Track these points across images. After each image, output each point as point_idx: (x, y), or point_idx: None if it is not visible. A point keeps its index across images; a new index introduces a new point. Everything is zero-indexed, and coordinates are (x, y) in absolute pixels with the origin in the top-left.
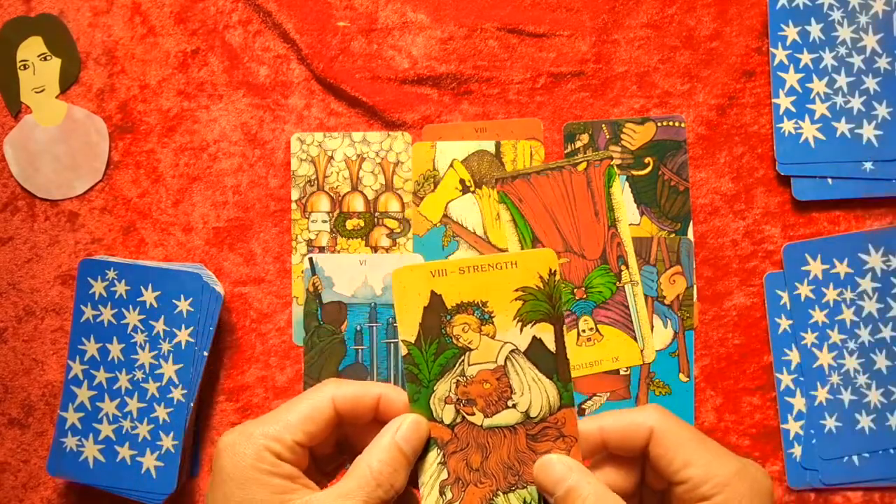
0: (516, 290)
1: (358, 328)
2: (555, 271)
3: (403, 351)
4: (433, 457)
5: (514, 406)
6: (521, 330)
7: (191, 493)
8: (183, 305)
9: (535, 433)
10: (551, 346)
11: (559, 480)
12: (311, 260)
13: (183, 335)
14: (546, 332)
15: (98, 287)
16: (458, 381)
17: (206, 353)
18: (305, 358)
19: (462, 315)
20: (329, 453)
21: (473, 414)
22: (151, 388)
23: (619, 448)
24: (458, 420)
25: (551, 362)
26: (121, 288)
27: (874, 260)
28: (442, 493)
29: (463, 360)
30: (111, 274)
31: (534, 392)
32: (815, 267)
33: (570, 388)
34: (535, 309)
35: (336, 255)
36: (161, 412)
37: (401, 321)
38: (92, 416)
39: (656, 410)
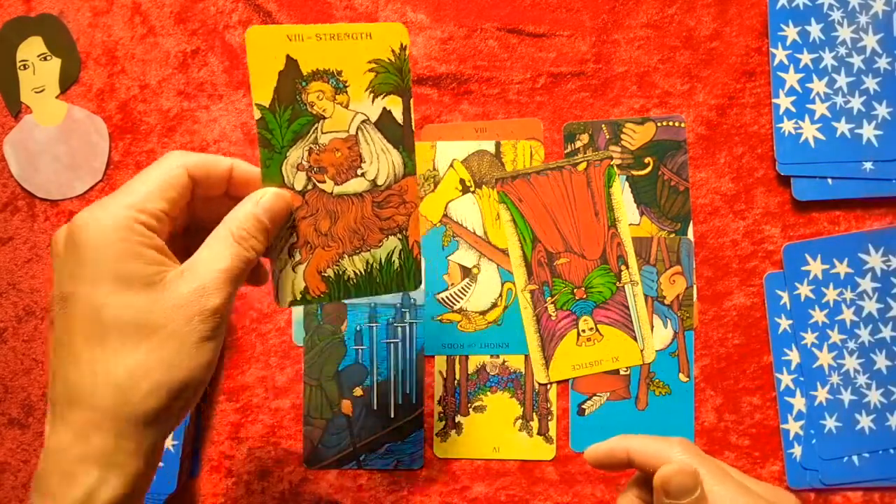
0: (370, 62)
1: (358, 328)
2: (405, 46)
3: (257, 115)
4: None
5: (362, 175)
6: (373, 101)
7: (191, 493)
8: None
9: (381, 200)
10: (399, 118)
11: (693, 487)
12: None
13: None
14: (395, 105)
15: None
16: (310, 148)
17: None
18: (306, 358)
19: (317, 83)
20: (179, 233)
21: (324, 182)
22: None
23: (643, 471)
24: (310, 187)
25: (398, 133)
26: None
27: (874, 260)
28: (291, 255)
29: (316, 129)
30: None
31: (381, 161)
32: (815, 267)
33: (413, 158)
34: (386, 81)
35: None
36: None
37: (254, 84)
38: None
39: (681, 444)
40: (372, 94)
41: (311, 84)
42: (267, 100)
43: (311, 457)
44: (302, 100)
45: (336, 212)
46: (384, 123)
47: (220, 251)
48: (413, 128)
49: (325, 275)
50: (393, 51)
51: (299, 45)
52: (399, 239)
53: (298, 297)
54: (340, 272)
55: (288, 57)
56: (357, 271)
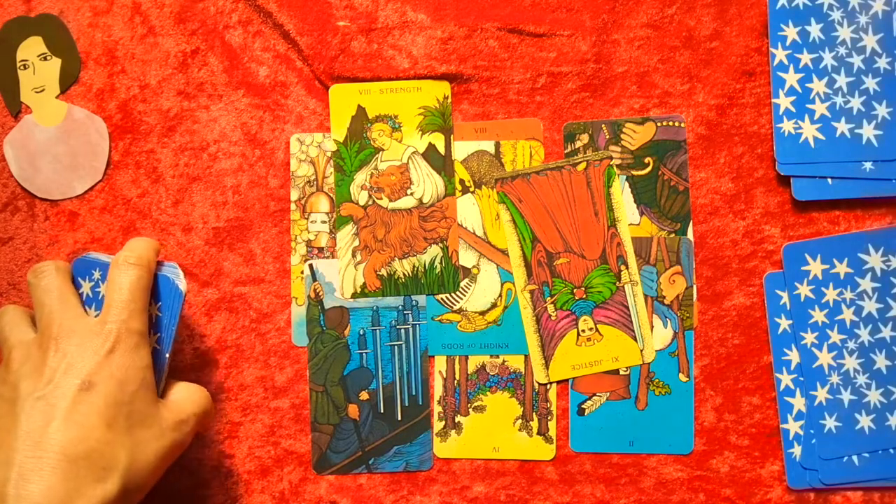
0: (419, 108)
1: (361, 332)
2: (447, 96)
3: (333, 147)
4: (349, 229)
5: (411, 194)
6: (421, 137)
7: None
8: (153, 310)
9: (426, 215)
10: (441, 150)
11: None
12: (311, 266)
13: (152, 340)
14: (438, 140)
15: (86, 287)
16: (372, 173)
17: (167, 356)
18: (310, 364)
19: (379, 123)
20: None
21: (381, 199)
22: None
23: None
24: (370, 203)
25: (441, 162)
26: (104, 289)
27: (874, 260)
28: (353, 255)
29: (377, 158)
30: (97, 274)
31: (427, 184)
32: (815, 267)
33: (453, 181)
34: (432, 122)
35: (336, 259)
36: None
37: (334, 126)
38: None
39: None
40: (420, 132)
41: (374, 125)
42: (342, 136)
43: (320, 463)
44: (367, 136)
45: (390, 223)
46: (430, 154)
47: (199, 397)
48: (453, 158)
49: (380, 274)
50: (437, 99)
51: (367, 97)
52: (440, 248)
53: (358, 290)
54: (392, 272)
55: (359, 105)
56: (405, 272)
